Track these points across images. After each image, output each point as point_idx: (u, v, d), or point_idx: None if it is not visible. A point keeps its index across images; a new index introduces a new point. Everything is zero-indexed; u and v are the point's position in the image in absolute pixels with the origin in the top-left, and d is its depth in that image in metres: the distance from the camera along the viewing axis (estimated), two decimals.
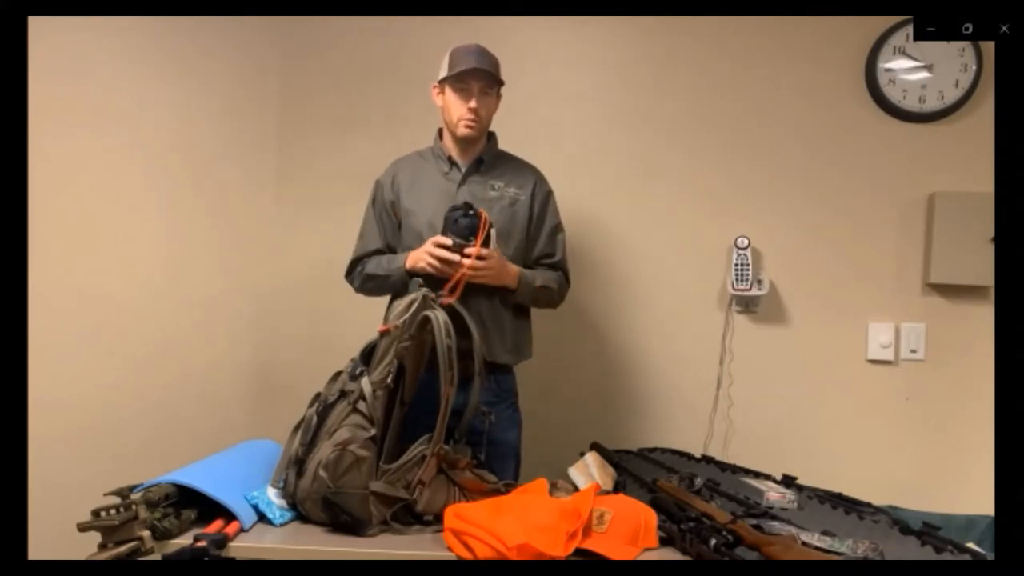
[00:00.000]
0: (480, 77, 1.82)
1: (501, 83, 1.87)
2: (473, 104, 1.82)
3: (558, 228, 1.97)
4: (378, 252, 1.91)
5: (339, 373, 1.59)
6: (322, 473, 1.39)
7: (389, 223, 1.93)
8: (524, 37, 2.40)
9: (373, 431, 1.47)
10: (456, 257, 1.70)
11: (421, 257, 1.75)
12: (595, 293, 2.41)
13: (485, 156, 1.92)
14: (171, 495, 1.36)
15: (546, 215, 1.95)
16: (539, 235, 1.93)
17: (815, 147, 2.35)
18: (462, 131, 1.85)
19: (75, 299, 2.00)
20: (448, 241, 1.71)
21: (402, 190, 1.91)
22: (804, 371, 2.35)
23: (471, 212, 1.72)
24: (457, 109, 1.84)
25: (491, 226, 1.74)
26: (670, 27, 2.38)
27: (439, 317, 1.56)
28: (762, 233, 2.33)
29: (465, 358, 1.61)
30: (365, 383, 1.50)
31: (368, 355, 1.56)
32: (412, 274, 1.77)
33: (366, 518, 1.40)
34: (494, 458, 1.70)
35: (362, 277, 1.91)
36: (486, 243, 1.72)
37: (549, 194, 1.97)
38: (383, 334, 1.55)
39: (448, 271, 1.71)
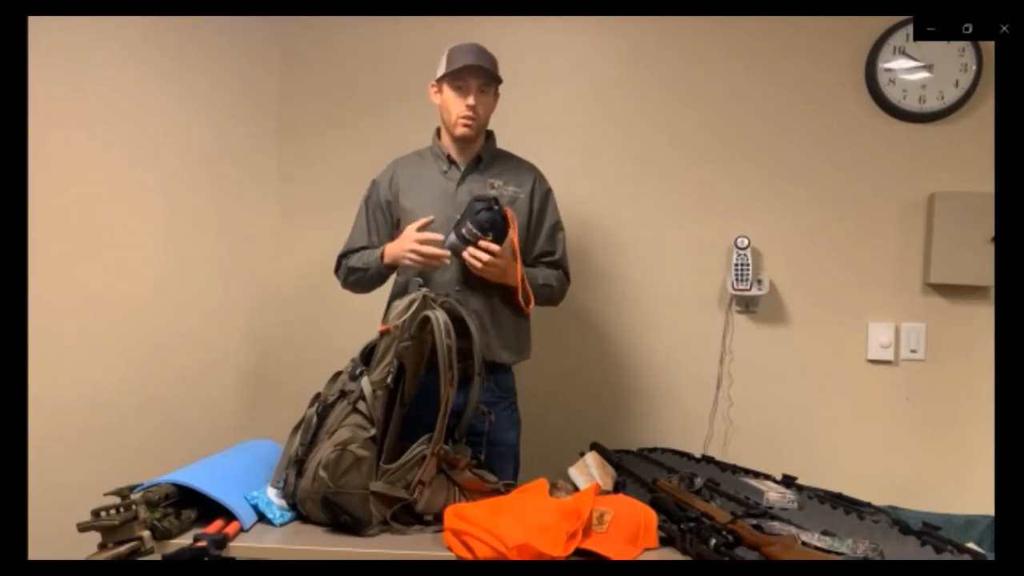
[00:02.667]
0: (478, 74, 1.81)
1: (499, 81, 1.86)
2: (471, 101, 1.82)
3: (558, 226, 1.97)
4: (364, 249, 1.92)
5: (339, 373, 1.59)
6: (322, 473, 1.39)
7: (382, 221, 1.93)
8: (523, 37, 2.40)
9: (373, 431, 1.47)
10: (446, 254, 1.71)
11: (403, 255, 1.75)
12: (595, 293, 2.41)
13: (484, 154, 1.92)
14: (171, 495, 1.37)
15: (545, 213, 1.94)
16: (539, 233, 1.93)
17: (815, 147, 2.35)
18: (460, 131, 1.85)
19: (75, 299, 1.99)
20: (438, 237, 1.72)
21: (401, 189, 1.92)
22: (804, 371, 2.35)
23: (495, 207, 1.71)
24: (455, 107, 1.83)
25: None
26: (670, 27, 2.38)
27: (439, 317, 1.56)
28: (762, 233, 2.33)
29: (465, 358, 1.61)
30: (365, 383, 1.50)
31: (368, 355, 1.56)
32: (389, 268, 1.80)
33: (366, 518, 1.40)
34: (493, 458, 1.71)
35: (345, 271, 1.93)
36: (500, 241, 1.72)
37: (548, 192, 1.97)
38: (383, 334, 1.55)
39: (435, 265, 1.73)
